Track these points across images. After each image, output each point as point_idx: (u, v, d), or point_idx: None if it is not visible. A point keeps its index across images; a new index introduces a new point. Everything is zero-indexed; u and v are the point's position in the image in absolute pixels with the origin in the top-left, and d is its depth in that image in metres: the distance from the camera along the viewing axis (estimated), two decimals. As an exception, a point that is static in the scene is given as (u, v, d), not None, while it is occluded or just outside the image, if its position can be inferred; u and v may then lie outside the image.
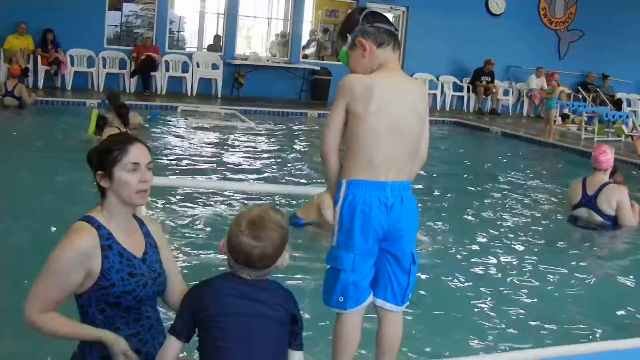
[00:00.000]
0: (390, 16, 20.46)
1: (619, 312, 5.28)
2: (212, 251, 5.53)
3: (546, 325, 4.82)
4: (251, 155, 10.71)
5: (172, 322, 2.73)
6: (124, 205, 2.97)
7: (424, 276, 5.26)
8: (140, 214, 6.14)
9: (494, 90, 19.62)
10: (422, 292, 5.03)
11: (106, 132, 9.79)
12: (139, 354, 2.88)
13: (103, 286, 2.85)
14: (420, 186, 8.56)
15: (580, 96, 18.83)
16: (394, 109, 3.17)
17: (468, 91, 19.90)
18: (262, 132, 13.34)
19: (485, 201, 8.73)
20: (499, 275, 5.85)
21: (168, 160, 9.74)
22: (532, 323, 4.85)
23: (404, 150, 3.22)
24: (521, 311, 5.07)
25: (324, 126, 3.27)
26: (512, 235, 7.11)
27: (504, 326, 4.78)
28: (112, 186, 2.92)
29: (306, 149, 12.05)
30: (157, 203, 6.94)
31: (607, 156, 7.08)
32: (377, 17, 3.31)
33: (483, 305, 5.15)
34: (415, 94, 3.31)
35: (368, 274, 3.22)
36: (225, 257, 2.72)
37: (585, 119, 15.67)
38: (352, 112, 3.15)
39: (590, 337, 4.67)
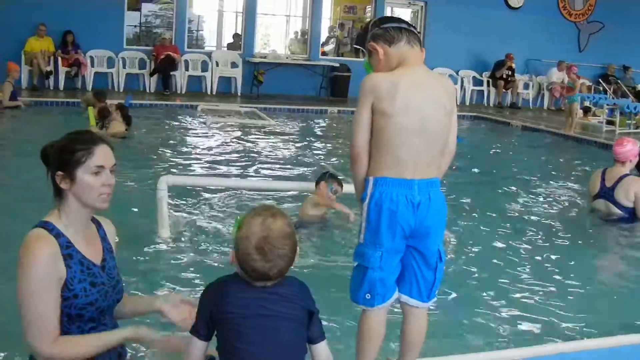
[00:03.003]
0: (408, 11, 20.43)
1: (633, 307, 5.21)
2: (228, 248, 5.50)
3: (562, 319, 4.78)
4: (271, 153, 10.71)
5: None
6: (84, 208, 2.80)
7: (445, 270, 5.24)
8: (162, 213, 6.10)
9: (515, 79, 19.51)
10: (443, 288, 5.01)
11: (114, 125, 10.32)
12: None
13: (65, 297, 2.70)
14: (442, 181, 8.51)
15: (601, 88, 18.68)
16: (419, 105, 3.14)
17: (488, 85, 19.83)
18: (282, 130, 13.36)
19: (507, 195, 8.68)
20: (516, 268, 5.81)
21: (187, 159, 9.78)
22: (547, 317, 4.80)
23: (432, 146, 3.19)
24: (532, 307, 5.02)
25: (351, 128, 3.23)
26: (532, 229, 7.06)
27: (520, 320, 4.75)
28: (73, 188, 2.75)
29: (327, 146, 12.06)
30: (176, 201, 6.97)
31: (625, 148, 7.00)
32: (385, 19, 3.38)
33: (501, 299, 5.11)
34: (439, 88, 3.27)
35: (394, 271, 3.22)
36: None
37: (607, 111, 15.53)
38: (378, 111, 3.12)
39: (606, 332, 4.59)
